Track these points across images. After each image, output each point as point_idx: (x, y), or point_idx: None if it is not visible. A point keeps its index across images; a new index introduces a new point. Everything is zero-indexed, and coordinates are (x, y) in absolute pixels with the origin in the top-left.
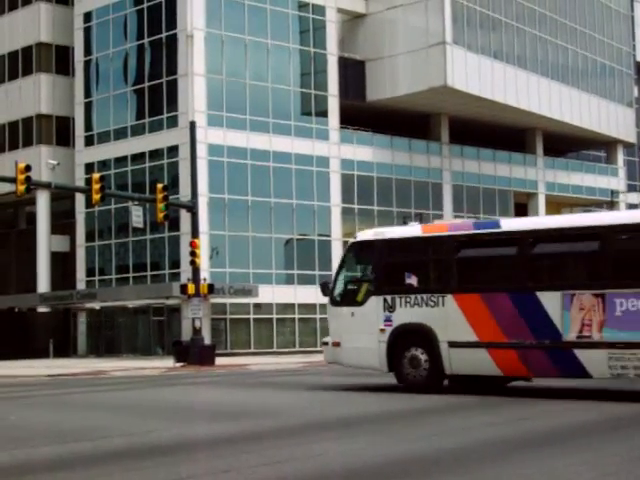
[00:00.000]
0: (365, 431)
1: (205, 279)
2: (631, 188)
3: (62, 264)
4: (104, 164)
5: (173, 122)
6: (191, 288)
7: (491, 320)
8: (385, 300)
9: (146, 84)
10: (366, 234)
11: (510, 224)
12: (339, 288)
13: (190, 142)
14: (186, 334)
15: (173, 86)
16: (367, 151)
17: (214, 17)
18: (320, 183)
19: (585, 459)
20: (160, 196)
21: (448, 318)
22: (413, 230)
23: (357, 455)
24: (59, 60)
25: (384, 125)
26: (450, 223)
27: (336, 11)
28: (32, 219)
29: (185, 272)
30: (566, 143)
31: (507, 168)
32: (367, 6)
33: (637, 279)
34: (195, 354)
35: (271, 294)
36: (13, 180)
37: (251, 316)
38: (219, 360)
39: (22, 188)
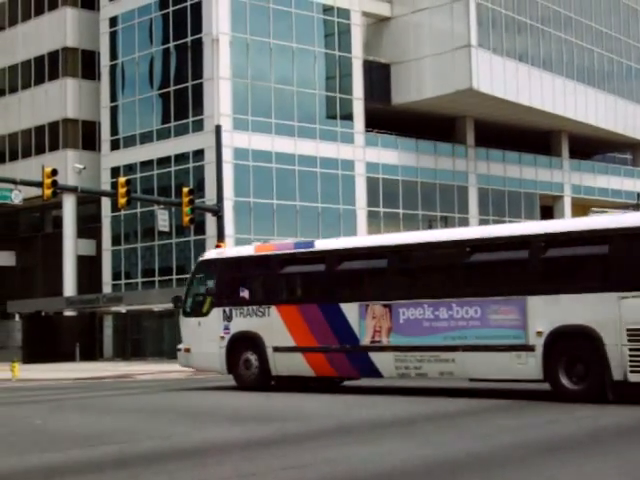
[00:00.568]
0: (390, 435)
1: None
2: None
3: (88, 268)
4: (130, 168)
5: (199, 126)
6: None
7: (305, 328)
8: (224, 311)
9: (172, 88)
10: (210, 254)
11: (321, 244)
12: (189, 301)
13: (216, 146)
14: None
15: (199, 90)
16: (392, 154)
17: (239, 21)
18: (345, 186)
19: (613, 464)
20: (186, 200)
21: (272, 326)
22: (247, 250)
23: (383, 459)
24: (85, 64)
25: (409, 128)
26: (277, 243)
27: (361, 14)
28: (58, 223)
29: None
30: (592, 145)
31: (533, 171)
32: (392, 9)
33: (413, 292)
34: None
35: None
36: (40, 184)
37: None
38: None
39: (49, 192)
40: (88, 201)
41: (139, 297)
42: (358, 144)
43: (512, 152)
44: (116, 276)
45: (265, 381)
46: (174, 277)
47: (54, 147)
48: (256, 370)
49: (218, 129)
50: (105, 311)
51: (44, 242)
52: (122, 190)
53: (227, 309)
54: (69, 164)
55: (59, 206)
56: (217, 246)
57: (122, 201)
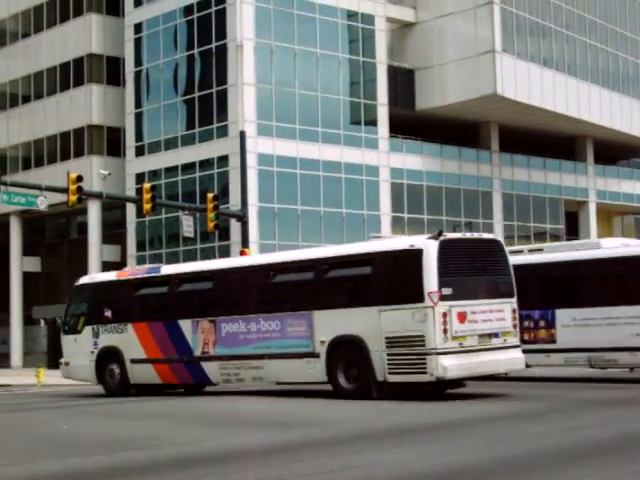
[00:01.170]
0: (416, 440)
1: None
2: None
3: None
4: (154, 174)
5: (223, 132)
6: None
7: (153, 342)
8: (93, 329)
9: (196, 94)
10: (84, 279)
11: (165, 269)
12: (67, 320)
13: (240, 152)
14: None
15: (223, 96)
16: (417, 160)
17: (264, 27)
18: (370, 192)
19: None
20: (210, 206)
21: (129, 341)
22: (110, 275)
23: (408, 465)
24: (110, 71)
25: (433, 134)
26: (134, 269)
27: (385, 20)
28: (83, 229)
29: None
30: (616, 150)
31: (557, 176)
32: (416, 15)
33: (231, 309)
34: None
35: None
36: (65, 190)
37: None
38: None
39: (74, 198)
40: (113, 207)
41: None
42: (382, 150)
43: (536, 157)
44: None
45: (126, 389)
46: None
47: (79, 153)
48: (118, 378)
49: (242, 135)
50: None
51: (69, 248)
52: (147, 196)
53: (95, 327)
54: (94, 170)
55: (84, 212)
56: (241, 252)
57: (147, 207)
